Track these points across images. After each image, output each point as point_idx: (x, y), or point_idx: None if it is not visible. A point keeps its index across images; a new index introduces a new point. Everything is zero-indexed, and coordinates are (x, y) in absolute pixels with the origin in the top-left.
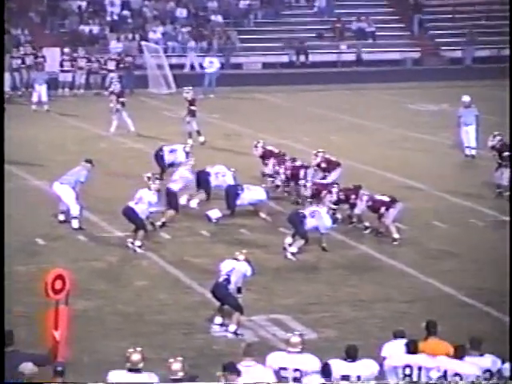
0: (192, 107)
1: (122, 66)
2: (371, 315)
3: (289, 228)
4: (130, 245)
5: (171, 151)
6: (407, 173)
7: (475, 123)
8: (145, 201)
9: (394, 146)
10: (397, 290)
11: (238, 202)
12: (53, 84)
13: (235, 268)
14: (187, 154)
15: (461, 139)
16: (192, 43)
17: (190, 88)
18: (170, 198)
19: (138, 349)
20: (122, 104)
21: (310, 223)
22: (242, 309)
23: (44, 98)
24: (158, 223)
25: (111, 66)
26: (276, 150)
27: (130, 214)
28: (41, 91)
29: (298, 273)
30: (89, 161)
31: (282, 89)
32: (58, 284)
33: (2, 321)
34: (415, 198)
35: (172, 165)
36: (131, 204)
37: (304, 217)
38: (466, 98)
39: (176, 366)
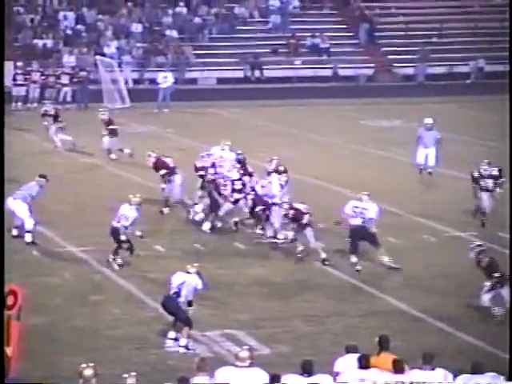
0: (111, 126)
1: (75, 80)
2: (324, 330)
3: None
4: (110, 259)
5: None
6: (359, 188)
7: (435, 146)
8: (127, 217)
9: (347, 161)
10: (350, 304)
11: None
12: (6, 98)
13: (186, 281)
14: None
15: (416, 159)
16: (127, 57)
17: (106, 109)
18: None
19: (91, 364)
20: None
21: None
22: (191, 323)
23: None
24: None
25: (65, 80)
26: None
27: (115, 234)
28: None
29: (252, 288)
30: (43, 176)
31: (236, 104)
32: (10, 299)
33: (2, 321)
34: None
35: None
36: (114, 223)
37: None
38: (429, 121)
39: (130, 380)
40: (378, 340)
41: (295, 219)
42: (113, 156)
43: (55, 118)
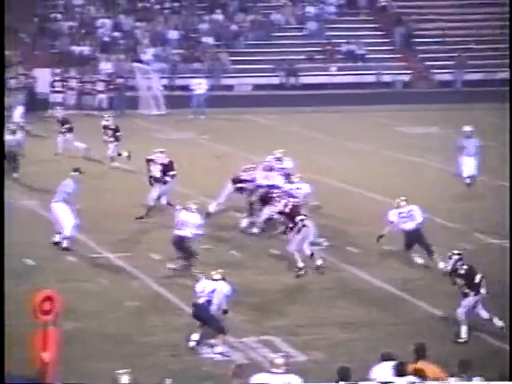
0: (117, 133)
1: (111, 87)
2: (360, 337)
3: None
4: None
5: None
6: (394, 195)
7: (475, 155)
8: (189, 224)
9: (383, 168)
10: (385, 311)
11: None
12: (43, 105)
13: (216, 289)
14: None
15: (460, 169)
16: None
17: (110, 115)
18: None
19: (126, 371)
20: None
21: None
22: (224, 330)
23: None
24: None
25: (100, 87)
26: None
27: (179, 243)
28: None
29: (288, 294)
30: (76, 169)
31: (272, 110)
32: (47, 305)
33: (2, 321)
34: None
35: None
36: (178, 232)
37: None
38: (468, 128)
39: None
40: (415, 348)
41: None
42: (116, 164)
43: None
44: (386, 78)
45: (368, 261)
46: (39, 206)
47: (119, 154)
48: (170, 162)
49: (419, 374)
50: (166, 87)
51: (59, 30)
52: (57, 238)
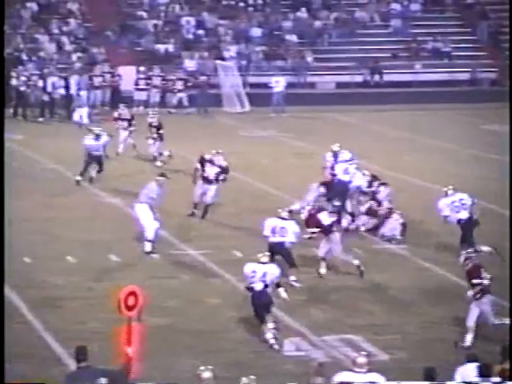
0: (160, 131)
1: (189, 84)
2: (441, 338)
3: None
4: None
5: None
6: (481, 194)
7: None
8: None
9: (468, 167)
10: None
11: None
12: (128, 102)
13: (267, 272)
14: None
15: None
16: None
17: (155, 112)
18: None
19: (209, 367)
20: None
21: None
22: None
23: (85, 120)
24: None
25: (179, 85)
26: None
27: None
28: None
29: (369, 293)
30: (162, 174)
31: (355, 108)
32: (131, 301)
33: (3, 320)
34: (488, 221)
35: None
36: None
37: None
38: None
39: (206, 375)
40: (501, 350)
41: None
42: (158, 163)
43: (129, 121)
44: (474, 76)
45: (447, 259)
46: (124, 204)
47: (161, 154)
48: (227, 167)
49: (505, 374)
50: (249, 85)
51: (144, 28)
52: (147, 248)
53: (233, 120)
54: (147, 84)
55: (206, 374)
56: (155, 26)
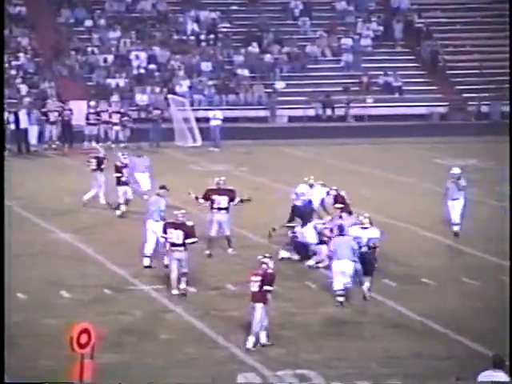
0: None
1: (148, 118)
2: (400, 372)
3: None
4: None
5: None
6: (439, 229)
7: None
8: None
9: (423, 200)
10: (428, 346)
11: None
12: (79, 137)
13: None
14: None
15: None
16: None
17: (126, 154)
18: None
19: None
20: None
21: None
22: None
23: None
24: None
25: (115, 119)
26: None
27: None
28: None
29: (327, 328)
30: (162, 187)
31: (309, 142)
32: (84, 338)
33: (2, 321)
34: (445, 254)
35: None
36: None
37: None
38: (456, 171)
39: None
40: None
41: None
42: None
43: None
44: (423, 110)
45: (406, 294)
46: (77, 240)
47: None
48: (234, 190)
49: None
50: (201, 119)
51: (95, 63)
52: (146, 262)
53: (186, 154)
54: (97, 119)
55: None
56: (105, 60)
